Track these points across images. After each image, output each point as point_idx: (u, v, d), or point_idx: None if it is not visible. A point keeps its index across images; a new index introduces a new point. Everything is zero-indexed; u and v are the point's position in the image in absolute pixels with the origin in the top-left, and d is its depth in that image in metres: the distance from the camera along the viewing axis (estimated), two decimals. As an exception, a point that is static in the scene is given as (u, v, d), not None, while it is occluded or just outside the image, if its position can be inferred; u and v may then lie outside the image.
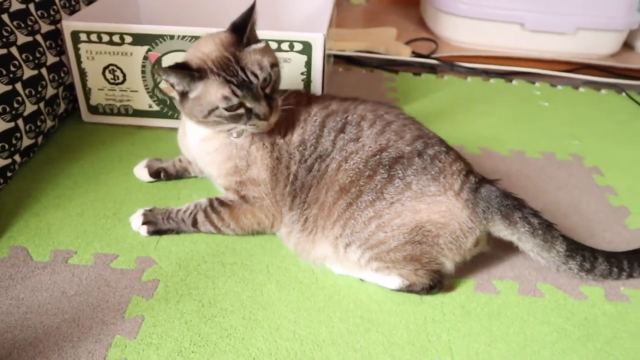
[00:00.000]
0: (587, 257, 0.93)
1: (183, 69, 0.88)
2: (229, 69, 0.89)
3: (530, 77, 1.82)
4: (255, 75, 0.89)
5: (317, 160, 0.95)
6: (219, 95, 0.88)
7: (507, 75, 1.82)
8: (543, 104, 1.65)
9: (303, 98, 1.03)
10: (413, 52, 1.92)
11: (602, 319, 0.90)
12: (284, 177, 0.97)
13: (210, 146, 1.00)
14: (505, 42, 1.99)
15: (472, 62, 1.89)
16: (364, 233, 0.89)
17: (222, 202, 1.01)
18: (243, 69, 0.89)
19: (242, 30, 0.91)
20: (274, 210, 0.99)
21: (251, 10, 0.92)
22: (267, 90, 0.92)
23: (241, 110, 0.90)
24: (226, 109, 0.89)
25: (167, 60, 1.26)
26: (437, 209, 0.88)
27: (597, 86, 1.79)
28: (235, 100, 0.88)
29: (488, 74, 1.83)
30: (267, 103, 0.90)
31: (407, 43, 2.02)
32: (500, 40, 1.99)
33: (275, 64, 0.93)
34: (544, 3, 1.92)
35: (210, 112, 0.90)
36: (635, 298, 0.94)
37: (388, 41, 1.98)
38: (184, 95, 0.91)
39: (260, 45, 0.93)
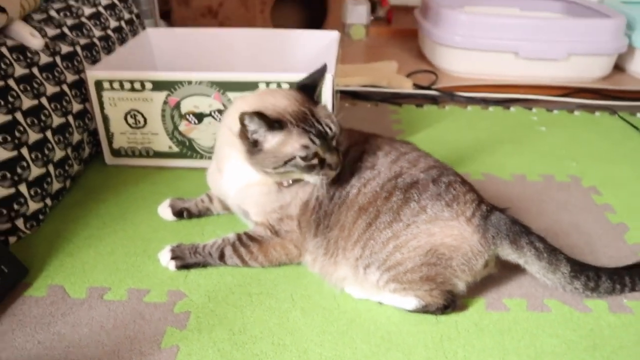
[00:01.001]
0: (591, 277, 0.99)
1: (265, 117, 0.92)
2: (307, 121, 0.95)
3: (527, 103, 1.91)
4: (330, 128, 0.96)
5: (339, 188, 1.02)
6: (297, 145, 0.94)
7: (505, 103, 1.91)
8: (540, 128, 1.73)
9: None
10: (414, 84, 2.01)
11: (607, 330, 0.96)
12: (311, 207, 1.04)
13: (258, 190, 1.05)
14: (501, 71, 2.08)
15: (471, 92, 1.98)
16: (382, 254, 0.95)
17: (251, 237, 1.08)
18: (319, 122, 0.96)
19: (312, 89, 1.01)
20: (301, 241, 1.06)
21: (322, 73, 1.02)
22: (334, 143, 0.98)
23: (315, 161, 0.96)
24: (303, 158, 0.95)
25: (186, 104, 1.34)
26: (450, 232, 0.95)
27: (591, 109, 1.88)
28: (313, 149, 0.94)
29: (487, 102, 1.91)
30: (337, 153, 0.97)
31: (408, 75, 2.11)
32: (496, 69, 2.08)
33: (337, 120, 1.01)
34: (536, 32, 2.02)
35: (286, 162, 0.95)
36: (637, 309, 1.00)
37: (390, 75, 2.07)
38: (255, 145, 0.96)
39: (327, 104, 1.02)
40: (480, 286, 1.04)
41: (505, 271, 1.05)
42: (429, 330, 0.95)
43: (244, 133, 0.96)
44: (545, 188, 1.39)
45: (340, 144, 1.00)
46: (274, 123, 0.93)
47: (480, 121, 1.78)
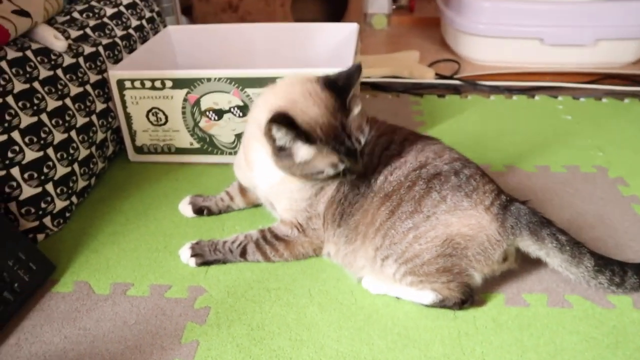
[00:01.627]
0: (616, 272, 0.96)
1: (292, 127, 0.88)
2: (338, 137, 0.90)
3: (553, 92, 1.86)
4: (359, 142, 0.93)
5: (367, 177, 1.02)
6: (327, 162, 0.91)
7: (530, 91, 1.87)
8: (566, 117, 1.69)
9: None
10: (436, 74, 1.99)
11: (631, 327, 0.94)
12: (337, 200, 1.04)
13: (290, 187, 1.03)
14: (525, 58, 2.04)
15: (494, 80, 1.94)
16: (402, 244, 0.95)
17: (276, 236, 1.09)
18: (349, 137, 0.91)
19: (345, 92, 0.91)
20: (325, 235, 1.07)
21: (358, 73, 0.92)
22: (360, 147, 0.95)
23: (341, 169, 0.94)
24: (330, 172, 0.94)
25: (206, 101, 1.36)
26: (467, 222, 0.94)
27: (620, 95, 1.82)
28: (342, 167, 0.92)
29: (510, 91, 1.87)
30: (362, 160, 0.95)
31: (430, 65, 2.09)
32: (521, 57, 2.04)
33: (368, 121, 0.96)
34: (562, 17, 1.96)
35: (314, 174, 0.95)
36: (663, 306, 0.97)
37: (411, 65, 2.05)
38: (280, 149, 0.92)
39: (360, 107, 0.93)
40: (500, 281, 1.03)
41: (525, 265, 1.04)
42: (447, 325, 0.95)
43: (270, 135, 0.92)
44: (570, 179, 1.36)
45: (367, 143, 0.96)
46: (303, 135, 0.89)
47: (503, 111, 1.74)
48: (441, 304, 0.97)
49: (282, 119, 0.88)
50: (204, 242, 1.12)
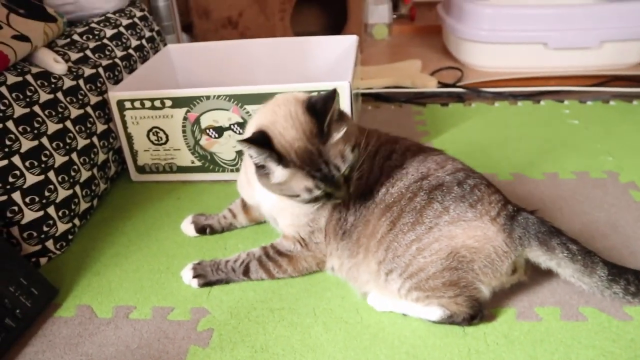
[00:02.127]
0: (631, 281, 0.93)
1: (265, 147, 0.87)
2: (313, 163, 0.88)
3: (558, 96, 1.84)
4: (338, 169, 0.89)
5: (368, 187, 1.00)
6: (301, 186, 0.89)
7: (535, 96, 1.84)
8: (573, 122, 1.66)
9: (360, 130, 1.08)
10: (439, 83, 1.97)
11: (650, 340, 0.90)
12: (338, 215, 1.02)
13: (292, 203, 0.99)
14: (529, 63, 2.01)
15: (498, 87, 1.92)
16: (405, 257, 0.93)
17: (279, 252, 1.07)
18: (327, 163, 0.88)
19: (322, 118, 0.88)
20: (328, 249, 1.05)
21: (332, 99, 0.87)
22: (346, 173, 0.92)
23: (322, 194, 0.91)
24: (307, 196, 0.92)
25: (206, 119, 1.35)
26: (473, 233, 0.91)
27: (628, 97, 1.79)
28: (317, 192, 0.90)
29: (515, 97, 1.85)
30: (346, 186, 0.92)
31: (433, 73, 2.07)
32: (525, 62, 2.02)
33: (354, 146, 0.92)
34: (565, 20, 1.94)
35: (291, 196, 0.93)
36: (682, 316, 0.94)
37: (413, 74, 2.03)
38: (260, 167, 0.91)
39: (342, 132, 0.89)
40: (510, 294, 1.00)
41: (536, 277, 1.01)
42: (456, 343, 0.92)
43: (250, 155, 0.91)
44: (579, 186, 1.32)
45: (354, 169, 0.94)
46: (276, 155, 0.87)
47: (508, 117, 1.72)
48: (449, 320, 0.94)
49: (255, 139, 0.88)
50: (205, 262, 1.10)
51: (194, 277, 1.08)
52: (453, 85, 1.95)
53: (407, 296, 0.95)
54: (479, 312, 0.94)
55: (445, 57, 2.26)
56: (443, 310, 0.94)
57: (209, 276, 1.08)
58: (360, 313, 1.00)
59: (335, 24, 2.33)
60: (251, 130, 0.93)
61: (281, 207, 1.05)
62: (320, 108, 0.89)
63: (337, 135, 0.89)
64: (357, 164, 0.95)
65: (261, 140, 0.88)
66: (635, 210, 1.22)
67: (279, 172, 0.89)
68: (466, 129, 1.66)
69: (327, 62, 1.67)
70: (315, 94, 1.26)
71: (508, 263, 0.92)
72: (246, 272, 1.08)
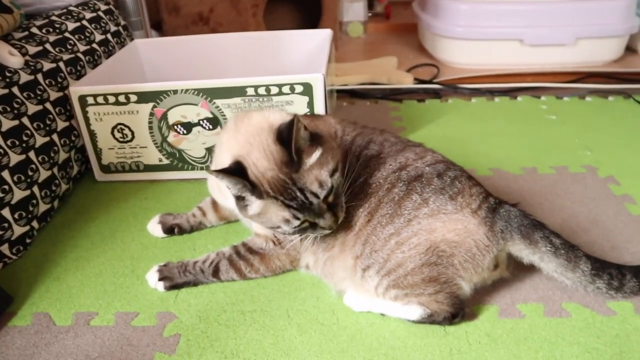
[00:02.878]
0: (614, 275, 0.91)
1: (238, 178, 0.83)
2: (287, 192, 0.83)
3: (535, 92, 1.82)
4: (316, 195, 0.84)
5: (346, 179, 0.93)
6: (279, 218, 0.85)
7: (512, 92, 1.82)
8: (550, 117, 1.64)
9: (333, 122, 1.05)
10: (415, 79, 1.94)
11: (635, 334, 0.87)
12: None
13: None
14: (506, 60, 2.00)
15: (475, 83, 1.90)
16: (383, 252, 0.89)
17: (250, 250, 1.02)
18: (302, 191, 0.83)
19: (289, 145, 0.83)
20: (302, 246, 1.00)
21: (290, 128, 0.82)
22: (330, 199, 0.87)
23: (306, 224, 0.87)
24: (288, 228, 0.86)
25: (173, 115, 1.29)
26: (453, 227, 0.88)
27: (604, 94, 1.78)
28: (297, 223, 0.85)
29: (492, 93, 1.83)
30: (331, 214, 0.87)
31: (409, 70, 2.04)
32: (501, 58, 2.00)
33: (335, 169, 0.87)
34: (542, 17, 1.93)
35: (272, 228, 0.88)
36: (666, 310, 0.91)
37: (389, 71, 2.00)
38: (238, 198, 0.87)
39: (315, 157, 0.85)
40: (492, 291, 0.96)
41: (518, 274, 0.98)
42: (437, 343, 0.88)
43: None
44: (559, 181, 1.30)
45: (339, 195, 0.89)
46: (250, 186, 0.83)
47: (485, 113, 1.69)
48: (430, 320, 0.90)
49: (230, 170, 0.84)
50: (172, 264, 1.04)
51: (160, 279, 1.02)
52: (429, 82, 1.93)
53: (385, 294, 0.90)
54: (460, 310, 0.90)
55: (421, 54, 2.24)
56: (423, 309, 0.89)
57: (176, 278, 1.02)
58: (337, 314, 0.95)
59: (310, 22, 2.29)
60: (223, 157, 0.89)
61: None
62: (286, 136, 0.84)
63: (310, 160, 0.84)
64: (341, 189, 0.89)
65: (236, 171, 0.84)
66: (615, 204, 1.20)
67: (254, 203, 0.85)
68: (443, 124, 1.63)
69: (301, 57, 1.62)
70: (289, 86, 1.23)
71: (490, 257, 0.89)
72: (216, 273, 1.02)
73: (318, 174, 0.85)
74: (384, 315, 0.93)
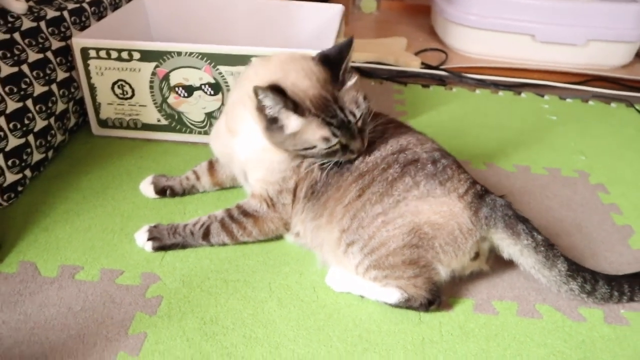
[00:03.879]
0: (588, 279, 0.93)
1: (282, 95, 0.86)
2: (328, 109, 0.88)
3: (540, 90, 1.82)
4: (354, 115, 0.90)
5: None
6: (317, 136, 0.89)
7: (516, 88, 1.82)
8: (551, 117, 1.64)
9: None
10: (422, 63, 1.92)
11: (600, 342, 0.90)
12: (314, 176, 0.99)
13: (271, 157, 0.99)
14: (515, 54, 1.99)
15: (481, 74, 1.89)
16: (369, 229, 0.91)
17: (244, 212, 1.04)
18: (342, 109, 0.89)
19: (337, 66, 0.90)
20: (293, 211, 1.03)
21: (349, 47, 0.90)
22: (359, 124, 0.92)
23: (337, 147, 0.91)
24: (324, 147, 0.90)
25: (175, 77, 1.28)
26: (439, 209, 0.90)
27: (607, 99, 1.78)
28: (334, 141, 0.90)
29: (497, 86, 1.82)
30: (361, 138, 0.93)
31: (418, 53, 2.02)
32: (510, 52, 1.99)
33: (366, 97, 0.93)
34: (555, 15, 1.91)
35: (306, 149, 0.91)
36: (635, 321, 0.94)
37: (398, 52, 1.98)
38: (272, 121, 0.90)
39: (354, 80, 0.92)
40: (470, 285, 0.99)
41: (497, 269, 1.00)
42: (411, 330, 0.90)
43: (260, 107, 0.90)
44: (550, 183, 1.31)
45: (366, 122, 0.94)
46: (291, 104, 0.87)
47: (488, 106, 1.69)
48: (407, 304, 0.92)
49: (268, 87, 0.87)
50: (162, 226, 1.06)
51: (149, 239, 1.03)
52: (436, 68, 1.92)
53: (365, 274, 0.93)
54: (436, 297, 0.92)
55: (431, 38, 2.22)
56: (401, 293, 0.92)
57: (165, 239, 1.04)
58: (317, 292, 0.97)
59: (323, -7, 2.25)
60: (254, 81, 0.91)
61: (258, 159, 1.01)
62: (334, 57, 0.91)
63: (350, 82, 0.91)
64: (369, 115, 0.94)
65: (276, 89, 0.87)
66: (602, 213, 1.22)
67: (294, 122, 0.89)
68: (445, 112, 1.63)
69: (310, 30, 1.60)
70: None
71: (472, 242, 0.91)
72: (206, 236, 1.04)
73: (355, 95, 0.91)
74: (363, 298, 0.95)
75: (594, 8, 1.89)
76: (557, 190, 1.28)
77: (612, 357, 0.87)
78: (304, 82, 0.89)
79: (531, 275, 0.94)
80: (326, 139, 0.89)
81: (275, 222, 1.04)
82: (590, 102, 1.76)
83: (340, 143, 0.91)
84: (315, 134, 0.89)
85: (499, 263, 0.97)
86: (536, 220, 1.11)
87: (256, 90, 0.86)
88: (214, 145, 1.13)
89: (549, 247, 0.92)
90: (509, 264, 0.96)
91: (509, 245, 0.92)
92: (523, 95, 1.78)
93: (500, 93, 1.79)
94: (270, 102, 0.87)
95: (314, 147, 0.90)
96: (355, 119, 0.90)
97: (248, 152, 1.02)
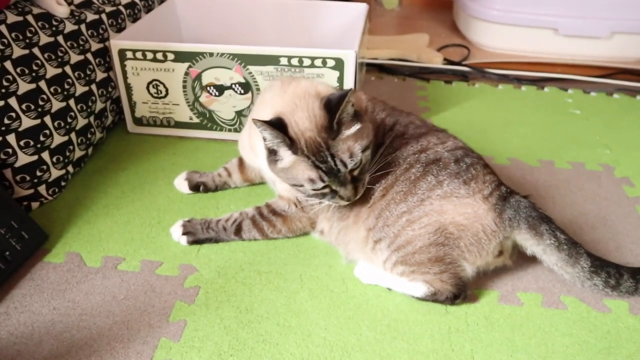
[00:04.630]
0: (612, 274, 0.95)
1: (280, 131, 0.88)
2: (320, 154, 0.89)
3: (563, 84, 1.82)
4: (344, 164, 0.90)
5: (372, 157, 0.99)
6: (305, 176, 0.90)
7: (539, 82, 1.83)
8: (575, 111, 1.65)
9: (364, 98, 1.09)
10: (445, 59, 1.94)
11: (625, 332, 0.92)
12: None
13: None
14: (538, 48, 1.99)
15: (503, 69, 1.90)
16: (395, 228, 0.94)
17: (274, 212, 1.08)
18: (333, 157, 0.89)
19: (334, 113, 0.89)
20: (319, 210, 1.06)
21: (344, 98, 0.88)
22: (355, 173, 0.93)
23: (326, 190, 0.92)
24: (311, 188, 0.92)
25: (207, 76, 1.33)
26: (463, 210, 0.93)
27: (632, 92, 1.78)
28: (320, 185, 0.91)
29: (520, 81, 1.83)
30: (353, 186, 0.92)
31: (439, 49, 2.04)
32: (533, 46, 1.99)
33: (367, 147, 0.93)
34: (578, 7, 1.91)
35: (295, 185, 0.94)
36: (659, 312, 0.96)
37: (420, 48, 2.00)
38: (271, 152, 0.93)
39: (354, 129, 0.91)
40: (495, 277, 1.02)
41: (521, 263, 1.03)
42: (437, 320, 0.94)
43: (263, 137, 0.92)
44: (574, 177, 1.33)
45: (364, 170, 0.95)
46: (288, 140, 0.89)
47: (511, 101, 1.71)
48: (433, 298, 0.96)
49: (273, 122, 0.89)
50: (196, 221, 1.11)
51: (183, 234, 1.09)
52: (459, 64, 1.93)
53: (393, 269, 0.96)
54: (462, 291, 0.95)
55: (453, 34, 2.23)
56: (427, 287, 0.95)
57: (199, 234, 1.09)
58: (346, 283, 1.01)
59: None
60: (265, 112, 0.94)
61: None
62: (334, 105, 0.90)
63: (347, 132, 0.90)
64: (368, 167, 0.95)
65: (277, 125, 0.89)
66: (627, 206, 1.23)
67: (287, 158, 0.91)
68: (468, 108, 1.65)
69: (335, 29, 1.64)
70: (321, 60, 1.26)
71: (495, 242, 0.93)
72: (238, 232, 1.09)
73: (351, 145, 0.90)
74: (390, 290, 0.99)
75: (618, 0, 1.88)
76: (581, 184, 1.30)
77: (637, 347, 0.89)
78: (305, 122, 0.90)
79: (554, 271, 0.97)
80: (312, 181, 0.90)
81: (303, 221, 1.08)
82: (615, 95, 1.76)
83: (329, 187, 0.92)
84: (304, 174, 0.90)
85: (523, 257, 0.99)
86: (560, 214, 1.14)
87: (256, 123, 0.88)
88: (242, 153, 1.19)
89: (572, 246, 0.94)
90: (533, 258, 0.98)
91: (532, 245, 0.95)
92: (546, 89, 1.79)
93: (523, 88, 1.80)
94: (268, 136, 0.90)
95: (302, 185, 0.92)
96: (346, 169, 0.90)
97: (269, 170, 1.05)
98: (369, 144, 0.93)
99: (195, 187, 1.23)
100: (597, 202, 1.24)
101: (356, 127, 0.91)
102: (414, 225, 0.93)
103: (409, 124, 1.06)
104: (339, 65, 1.27)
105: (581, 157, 1.41)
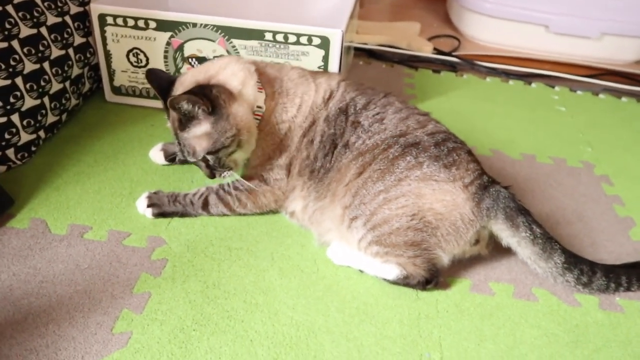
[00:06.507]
0: (585, 271, 0.94)
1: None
2: (176, 139, 1.00)
3: (550, 81, 1.82)
4: (190, 156, 0.99)
5: (343, 136, 1.00)
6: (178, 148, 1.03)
7: (527, 78, 1.82)
8: (560, 108, 1.64)
9: (334, 82, 1.08)
10: (435, 49, 1.92)
11: (594, 327, 0.92)
12: (305, 149, 1.02)
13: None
14: (528, 44, 1.98)
15: (492, 62, 1.89)
16: (371, 205, 0.92)
17: (236, 186, 1.06)
18: (180, 146, 1.00)
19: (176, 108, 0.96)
20: (287, 187, 1.05)
21: (187, 93, 0.94)
22: (210, 163, 0.99)
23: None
24: None
25: (189, 48, 1.29)
26: (442, 197, 0.91)
27: (618, 93, 1.78)
28: (180, 156, 1.05)
29: (508, 75, 1.82)
30: (209, 170, 1.00)
31: (430, 39, 2.02)
32: (524, 42, 1.98)
33: (216, 150, 0.96)
34: (570, 6, 1.90)
35: None
36: (629, 308, 0.96)
37: (411, 36, 1.98)
38: None
39: (201, 130, 0.95)
40: (468, 266, 1.01)
41: (495, 254, 1.02)
42: (408, 305, 0.93)
43: None
44: (555, 172, 1.32)
45: (219, 164, 0.99)
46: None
47: (497, 94, 1.70)
48: (405, 281, 0.94)
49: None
50: (163, 193, 1.08)
51: (149, 205, 1.06)
52: (448, 54, 1.91)
53: (367, 249, 0.94)
54: (435, 277, 0.94)
55: (445, 25, 2.21)
56: (400, 270, 0.94)
57: (165, 207, 1.06)
58: (318, 264, 0.99)
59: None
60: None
61: None
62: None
63: (195, 130, 0.96)
64: (220, 164, 0.99)
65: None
66: (604, 204, 1.23)
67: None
68: (454, 98, 1.63)
69: (324, 7, 1.60)
70: (306, 37, 1.23)
71: (472, 232, 0.92)
72: (205, 206, 1.06)
73: (194, 145, 0.97)
74: (362, 272, 0.97)
75: (610, 1, 1.88)
76: (561, 179, 1.30)
77: (604, 342, 0.89)
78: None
79: (528, 264, 0.96)
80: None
81: (267, 195, 1.06)
82: (601, 96, 1.76)
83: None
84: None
85: (499, 247, 0.98)
86: (538, 208, 1.14)
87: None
88: None
89: (547, 240, 0.93)
90: (508, 249, 0.97)
91: (507, 236, 0.94)
92: (533, 85, 1.78)
93: (511, 82, 1.79)
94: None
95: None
96: (194, 160, 0.99)
97: None
98: (216, 148, 0.96)
99: (171, 159, 1.20)
100: (575, 198, 1.23)
101: (204, 128, 0.95)
102: (391, 205, 0.92)
103: (386, 105, 1.03)
104: (324, 44, 1.24)
105: (563, 153, 1.41)
